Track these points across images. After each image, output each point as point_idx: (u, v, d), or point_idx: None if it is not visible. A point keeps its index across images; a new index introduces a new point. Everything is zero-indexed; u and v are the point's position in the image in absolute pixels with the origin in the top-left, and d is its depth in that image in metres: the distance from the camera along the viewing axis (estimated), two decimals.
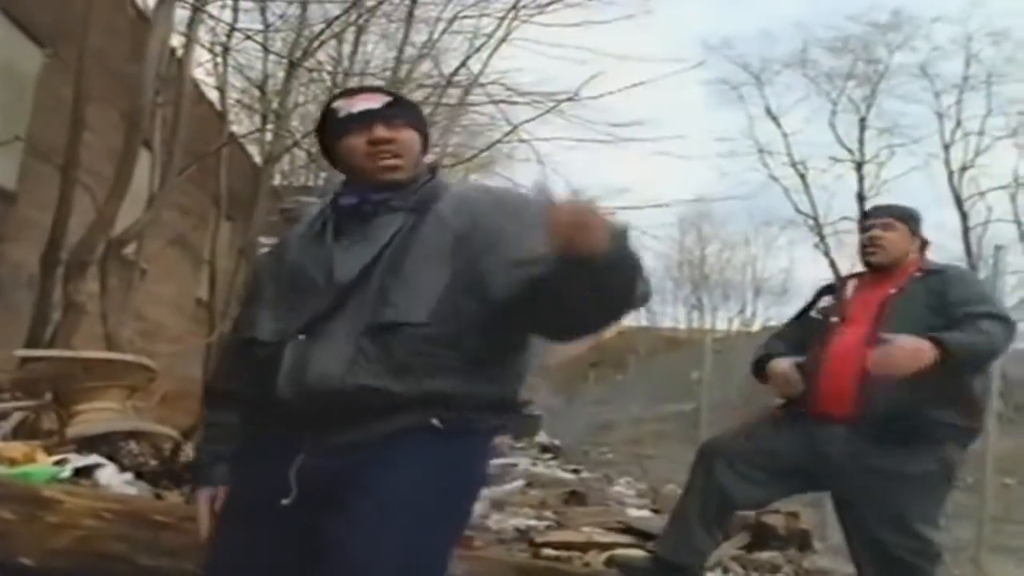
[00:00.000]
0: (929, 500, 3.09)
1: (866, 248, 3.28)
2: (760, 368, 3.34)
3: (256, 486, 1.90)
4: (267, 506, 1.84)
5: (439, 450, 1.85)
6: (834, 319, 3.22)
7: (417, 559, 1.82)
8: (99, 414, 4.73)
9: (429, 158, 2.14)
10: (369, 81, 10.75)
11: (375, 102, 2.02)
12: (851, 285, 3.36)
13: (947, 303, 3.08)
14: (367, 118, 2.00)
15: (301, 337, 1.88)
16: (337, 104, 2.07)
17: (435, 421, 1.85)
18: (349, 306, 1.88)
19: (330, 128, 2.07)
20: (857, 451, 3.05)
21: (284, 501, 1.82)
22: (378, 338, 1.84)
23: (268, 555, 1.87)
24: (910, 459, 3.02)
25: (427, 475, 1.84)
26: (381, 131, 1.99)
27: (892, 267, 3.26)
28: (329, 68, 10.56)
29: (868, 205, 27.83)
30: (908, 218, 3.32)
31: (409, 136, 2.03)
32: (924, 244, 3.35)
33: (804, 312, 3.45)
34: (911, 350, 2.86)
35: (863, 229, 3.33)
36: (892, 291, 3.18)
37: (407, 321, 1.85)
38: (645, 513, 6.07)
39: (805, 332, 3.32)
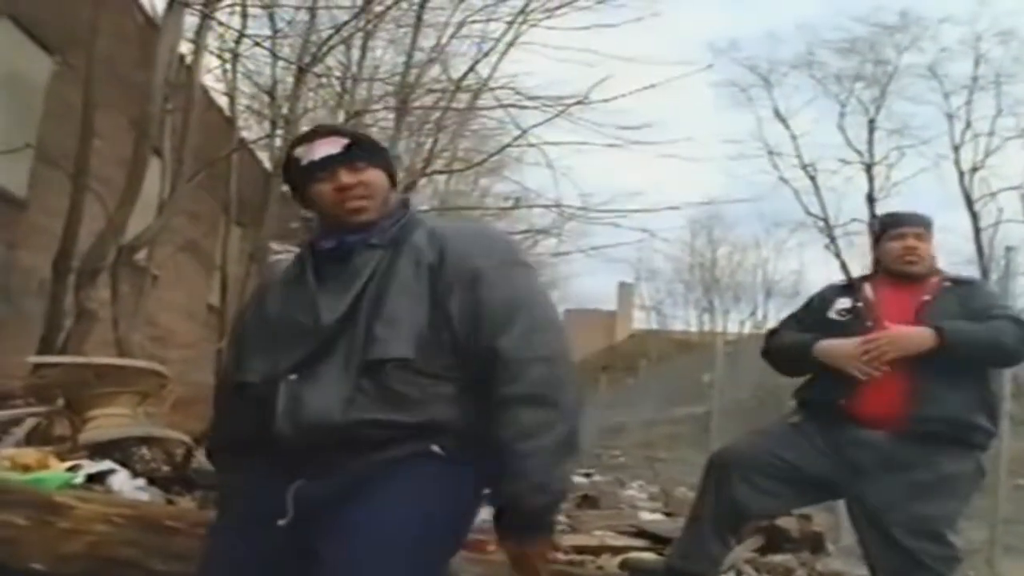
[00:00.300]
0: (957, 503, 3.09)
1: (904, 257, 3.28)
2: (798, 355, 3.24)
3: (253, 506, 1.90)
4: (263, 525, 1.85)
5: (438, 474, 1.87)
6: (870, 323, 3.18)
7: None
8: (111, 420, 4.74)
9: (400, 194, 2.16)
10: (378, 87, 10.80)
11: (335, 147, 2.02)
12: (868, 288, 3.32)
13: (973, 309, 3.14)
14: (329, 164, 2.00)
15: (292, 377, 1.88)
16: (298, 152, 2.06)
17: (435, 448, 1.87)
18: (338, 345, 1.89)
19: (295, 176, 2.07)
20: (894, 456, 3.02)
21: (280, 522, 1.82)
22: (372, 374, 1.85)
23: (262, 571, 1.89)
24: (950, 462, 3.03)
25: (427, 496, 1.86)
26: (345, 177, 1.99)
27: (925, 276, 3.29)
28: (338, 73, 10.55)
29: (878, 207, 27.87)
30: (931, 227, 3.37)
31: (374, 176, 2.03)
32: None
33: (811, 307, 3.40)
34: (909, 333, 3.02)
35: (892, 237, 3.31)
36: (927, 298, 3.20)
37: (395, 357, 1.86)
38: (657, 516, 6.06)
39: (817, 330, 3.25)
